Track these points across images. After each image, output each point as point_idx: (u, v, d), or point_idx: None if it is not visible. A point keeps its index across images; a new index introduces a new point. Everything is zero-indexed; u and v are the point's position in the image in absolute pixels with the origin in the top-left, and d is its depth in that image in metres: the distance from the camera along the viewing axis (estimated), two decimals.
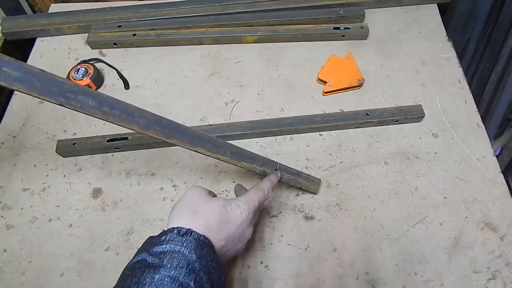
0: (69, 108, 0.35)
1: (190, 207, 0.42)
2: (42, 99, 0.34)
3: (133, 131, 0.40)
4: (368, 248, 0.55)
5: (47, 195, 0.60)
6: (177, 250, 0.37)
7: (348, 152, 0.63)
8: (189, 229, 0.39)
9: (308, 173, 0.58)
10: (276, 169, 0.53)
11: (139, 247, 0.40)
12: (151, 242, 0.39)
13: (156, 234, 0.39)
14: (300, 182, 0.56)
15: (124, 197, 0.59)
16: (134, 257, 0.39)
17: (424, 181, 0.60)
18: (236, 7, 0.76)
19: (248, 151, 0.50)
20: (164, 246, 0.37)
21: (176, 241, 0.37)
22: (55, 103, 0.34)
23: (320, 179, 0.59)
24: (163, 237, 0.38)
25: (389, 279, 0.53)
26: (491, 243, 0.56)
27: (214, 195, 0.48)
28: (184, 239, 0.38)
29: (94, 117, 0.37)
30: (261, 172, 0.52)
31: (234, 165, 0.49)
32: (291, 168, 0.55)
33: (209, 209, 0.42)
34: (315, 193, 0.59)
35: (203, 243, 0.39)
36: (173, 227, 0.39)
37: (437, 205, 0.58)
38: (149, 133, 0.41)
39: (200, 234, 0.39)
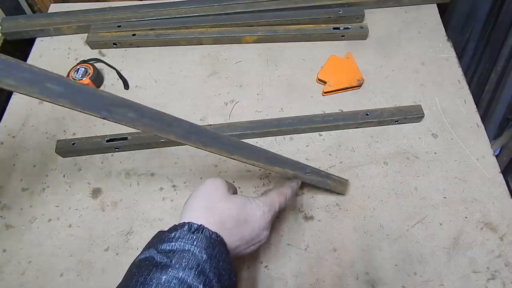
0: (112, 121, 0.35)
1: (206, 201, 0.40)
2: (86, 113, 0.34)
3: (132, 131, 0.40)
4: (367, 248, 0.55)
5: (47, 195, 0.60)
6: (187, 249, 0.35)
7: (347, 152, 0.63)
8: (201, 225, 0.37)
9: (337, 175, 0.57)
10: (307, 173, 0.53)
11: (144, 245, 0.38)
12: (160, 238, 0.37)
13: (166, 229, 0.38)
14: (329, 184, 0.56)
15: (124, 197, 0.59)
16: (142, 252, 0.36)
17: (424, 181, 0.60)
18: (236, 7, 0.76)
19: (280, 155, 0.50)
20: (174, 243, 0.35)
21: (186, 239, 0.35)
22: (99, 117, 0.34)
23: (348, 180, 0.59)
24: (173, 234, 0.36)
25: (388, 279, 0.53)
26: (490, 243, 0.56)
27: (235, 190, 0.46)
28: (195, 237, 0.35)
29: (135, 128, 0.37)
30: (293, 176, 0.52)
31: (267, 170, 0.49)
32: (321, 170, 0.55)
33: (226, 207, 0.40)
34: (343, 194, 0.59)
35: (215, 242, 0.36)
36: (184, 222, 0.37)
37: (437, 205, 0.58)
38: (188, 142, 0.40)
39: (212, 232, 0.37)
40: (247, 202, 0.41)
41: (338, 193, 0.59)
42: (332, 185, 0.56)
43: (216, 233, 0.37)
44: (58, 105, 0.33)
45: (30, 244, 0.56)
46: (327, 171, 0.56)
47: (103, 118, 0.34)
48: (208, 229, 0.37)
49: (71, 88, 0.33)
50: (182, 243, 0.35)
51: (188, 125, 0.40)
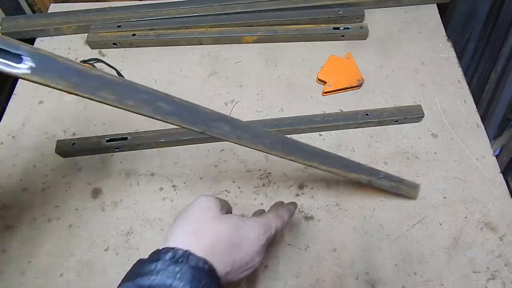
0: (210, 135, 0.38)
1: (195, 222, 0.36)
2: (188, 129, 0.37)
3: (131, 131, 0.40)
4: (367, 248, 0.55)
5: (47, 195, 0.60)
6: (168, 284, 0.30)
7: (347, 152, 0.63)
8: (187, 251, 0.33)
9: (407, 179, 0.57)
10: (380, 178, 0.53)
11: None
12: (140, 268, 0.32)
13: (147, 257, 0.34)
14: (402, 189, 0.56)
15: (124, 197, 0.59)
16: (119, 285, 0.32)
17: (424, 181, 0.60)
18: (236, 7, 0.76)
19: (354, 162, 0.50)
20: (154, 277, 0.31)
21: (168, 272, 0.31)
22: (198, 131, 0.37)
23: (419, 184, 0.58)
24: (154, 265, 0.32)
25: (388, 279, 0.53)
26: (490, 243, 0.56)
27: (229, 209, 0.42)
28: (178, 269, 0.31)
29: (229, 141, 0.39)
30: (367, 182, 0.51)
31: (344, 176, 0.49)
32: (393, 176, 0.55)
33: (218, 229, 0.36)
34: (414, 198, 0.59)
35: (201, 271, 0.32)
36: (168, 248, 0.33)
37: (437, 205, 0.58)
38: (273, 152, 0.42)
39: (199, 258, 0.33)
40: (241, 223, 0.38)
41: (408, 198, 0.58)
42: (404, 190, 0.56)
43: (204, 259, 0.33)
44: (166, 122, 0.36)
45: (30, 244, 0.56)
46: (400, 177, 0.55)
47: (202, 132, 0.37)
48: (195, 256, 0.33)
49: (178, 106, 0.35)
50: (164, 277, 0.31)
51: (274, 136, 0.43)
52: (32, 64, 0.28)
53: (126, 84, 0.32)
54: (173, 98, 0.35)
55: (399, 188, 0.55)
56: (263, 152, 0.42)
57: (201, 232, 0.35)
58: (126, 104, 0.33)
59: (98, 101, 0.31)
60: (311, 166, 0.46)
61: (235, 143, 0.40)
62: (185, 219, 0.37)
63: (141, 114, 0.34)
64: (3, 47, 0.27)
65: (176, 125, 0.36)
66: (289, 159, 0.43)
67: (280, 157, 0.43)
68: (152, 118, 0.34)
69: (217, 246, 0.35)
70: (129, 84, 0.33)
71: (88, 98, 0.31)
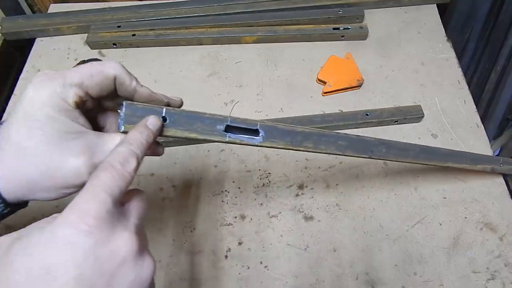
0: (375, 158, 0.45)
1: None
2: (359, 157, 0.43)
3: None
4: (367, 248, 0.55)
5: None
6: None
7: None
8: None
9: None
10: (501, 164, 0.57)
11: None
12: None
13: None
14: None
15: None
16: None
17: (424, 181, 0.60)
18: (236, 8, 0.76)
19: (478, 154, 0.56)
20: None
21: None
22: (366, 157, 0.44)
23: None
24: None
25: (388, 279, 0.53)
26: (490, 243, 0.56)
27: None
28: None
29: (387, 160, 0.48)
30: (491, 170, 0.56)
31: (469, 169, 0.55)
32: (509, 159, 0.58)
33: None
34: None
35: None
36: None
37: (437, 206, 0.59)
38: (419, 161, 0.49)
39: None
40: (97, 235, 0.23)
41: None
42: None
43: None
44: (344, 155, 0.42)
45: None
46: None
47: (367, 158, 0.44)
48: None
49: (351, 141, 0.42)
50: None
51: (417, 147, 0.49)
52: (263, 134, 0.36)
53: (319, 133, 0.40)
54: (348, 136, 0.42)
55: None
56: (411, 163, 0.49)
57: None
58: (320, 148, 0.40)
59: (301, 151, 0.39)
60: (448, 166, 0.53)
61: (393, 161, 0.49)
62: None
63: (328, 153, 0.41)
64: (246, 126, 0.35)
65: (350, 156, 0.43)
66: (432, 165, 0.50)
67: (425, 164, 0.50)
68: (335, 154, 0.42)
69: None
70: (320, 132, 0.40)
71: (295, 150, 0.39)
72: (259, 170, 0.61)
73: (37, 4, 0.86)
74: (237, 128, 0.35)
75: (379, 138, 0.45)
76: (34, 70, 0.73)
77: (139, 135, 0.29)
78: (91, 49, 0.75)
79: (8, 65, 0.82)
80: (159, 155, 0.35)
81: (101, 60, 0.73)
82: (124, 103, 0.31)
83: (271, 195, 0.59)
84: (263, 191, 0.60)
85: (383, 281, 0.53)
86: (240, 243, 0.55)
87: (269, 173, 0.61)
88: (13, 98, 0.69)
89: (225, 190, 0.60)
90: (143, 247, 0.25)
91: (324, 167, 0.62)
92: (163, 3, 0.77)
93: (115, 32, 0.74)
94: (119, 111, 0.31)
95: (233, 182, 0.60)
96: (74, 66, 0.69)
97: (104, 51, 0.75)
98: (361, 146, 0.43)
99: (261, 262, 0.54)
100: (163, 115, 0.33)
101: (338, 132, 0.42)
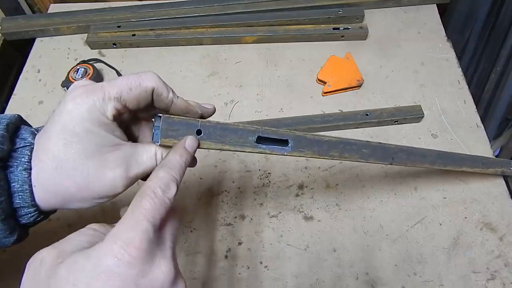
0: (395, 165, 0.46)
1: None
2: (380, 163, 0.44)
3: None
4: (367, 248, 0.55)
5: None
6: None
7: None
8: None
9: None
10: (511, 167, 0.57)
11: None
12: None
13: None
14: None
15: (123, 198, 0.59)
16: None
17: (424, 181, 0.60)
18: (236, 8, 0.76)
19: (489, 157, 0.58)
20: None
21: None
22: (387, 164, 0.45)
23: None
24: None
25: (388, 279, 0.53)
26: (490, 243, 0.56)
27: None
28: None
29: (405, 165, 0.48)
30: (501, 173, 0.56)
31: (481, 173, 0.56)
32: None
33: None
34: None
35: None
36: None
37: (437, 206, 0.59)
38: (436, 165, 0.50)
39: None
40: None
41: None
42: None
43: None
44: (367, 162, 0.43)
45: (29, 244, 0.56)
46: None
47: (388, 164, 0.45)
48: None
49: (373, 149, 0.43)
50: None
51: (433, 152, 0.50)
52: (292, 144, 0.37)
53: (343, 141, 0.40)
54: (371, 144, 0.43)
55: None
56: (429, 168, 0.50)
57: None
58: (344, 156, 0.41)
59: (326, 158, 0.40)
60: (464, 171, 0.54)
61: (411, 166, 0.50)
62: None
63: (351, 160, 0.42)
64: (277, 137, 0.36)
65: (373, 163, 0.44)
66: (448, 169, 0.51)
67: (440, 168, 0.51)
68: (358, 161, 0.42)
69: None
70: (344, 140, 0.41)
71: (322, 158, 0.39)
72: (259, 170, 0.61)
73: (37, 4, 0.86)
74: (267, 139, 0.36)
75: (399, 145, 0.46)
76: (34, 70, 0.73)
77: (179, 158, 0.30)
78: (91, 49, 0.75)
79: (8, 65, 0.82)
80: (192, 167, 0.35)
81: (102, 60, 0.73)
82: (161, 116, 0.31)
83: (271, 195, 0.59)
84: (263, 191, 0.60)
85: (383, 281, 0.53)
86: (240, 243, 0.55)
87: (269, 173, 0.61)
88: (13, 98, 0.69)
89: (225, 190, 0.60)
90: (177, 271, 0.26)
91: (324, 167, 0.62)
92: (163, 3, 0.77)
93: (115, 32, 0.74)
94: (153, 120, 0.32)
95: (233, 182, 0.60)
96: (73, 67, 0.69)
97: (104, 51, 0.75)
98: (382, 153, 0.44)
99: (261, 262, 0.54)
100: (198, 127, 0.33)
101: (360, 140, 0.42)
